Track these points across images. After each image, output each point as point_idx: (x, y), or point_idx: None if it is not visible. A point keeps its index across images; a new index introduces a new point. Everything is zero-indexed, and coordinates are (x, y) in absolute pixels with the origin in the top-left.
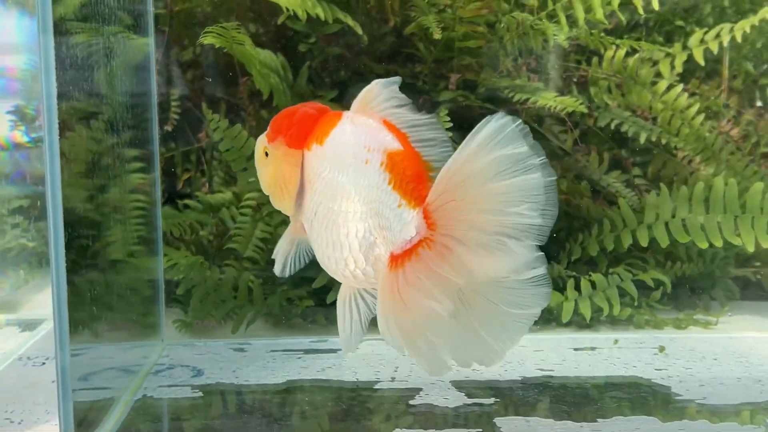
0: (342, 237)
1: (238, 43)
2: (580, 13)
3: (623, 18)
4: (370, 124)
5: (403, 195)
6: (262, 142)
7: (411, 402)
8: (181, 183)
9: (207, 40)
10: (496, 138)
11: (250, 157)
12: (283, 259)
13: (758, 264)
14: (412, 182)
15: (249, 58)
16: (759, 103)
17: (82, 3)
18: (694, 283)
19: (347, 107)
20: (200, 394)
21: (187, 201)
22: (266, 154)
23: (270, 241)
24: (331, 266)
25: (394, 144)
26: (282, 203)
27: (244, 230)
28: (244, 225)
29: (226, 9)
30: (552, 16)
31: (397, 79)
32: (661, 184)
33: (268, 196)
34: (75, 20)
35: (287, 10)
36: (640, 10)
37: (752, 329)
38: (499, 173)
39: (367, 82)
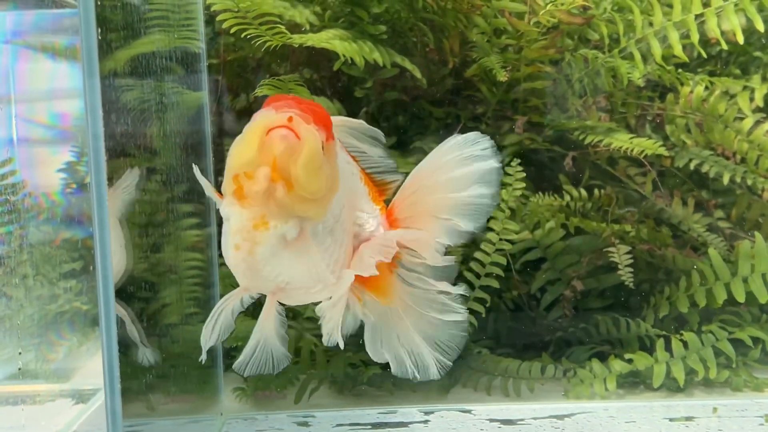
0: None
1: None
2: (656, 50)
3: (701, 51)
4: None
5: (376, 203)
6: (313, 133)
7: None
8: None
9: (262, 91)
10: (454, 144)
11: None
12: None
13: None
14: (375, 192)
15: None
16: None
17: (133, 56)
18: None
19: (408, 154)
20: None
21: None
22: None
23: None
24: (323, 275)
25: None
26: (317, 210)
27: None
28: None
29: (279, 56)
30: (623, 51)
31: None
32: (756, 233)
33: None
34: (126, 75)
35: (344, 56)
36: (724, 45)
37: None
38: (454, 166)
39: (426, 126)
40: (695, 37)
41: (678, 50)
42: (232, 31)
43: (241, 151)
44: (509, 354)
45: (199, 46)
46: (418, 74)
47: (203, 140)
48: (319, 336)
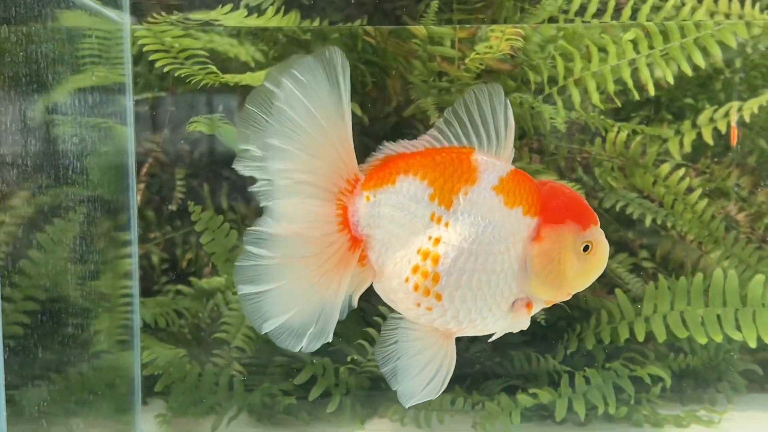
0: None
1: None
2: (576, 98)
3: (635, 95)
4: None
5: None
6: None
7: None
8: (182, 266)
9: (194, 127)
10: None
11: (232, 249)
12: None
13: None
14: None
15: (231, 138)
16: None
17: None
18: (698, 375)
19: None
20: None
21: (180, 287)
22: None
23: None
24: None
25: None
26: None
27: (235, 317)
28: (233, 312)
29: (225, 91)
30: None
31: None
32: (660, 276)
33: None
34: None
35: None
36: (651, 91)
37: (758, 427)
38: None
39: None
40: (611, 87)
41: (595, 99)
42: (165, 70)
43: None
44: None
45: (125, 81)
46: (358, 111)
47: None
48: (244, 365)
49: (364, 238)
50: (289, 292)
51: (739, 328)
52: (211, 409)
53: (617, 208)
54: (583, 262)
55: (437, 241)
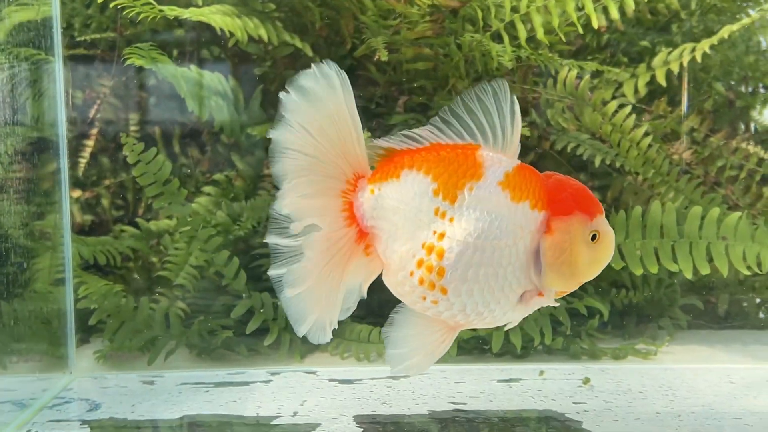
0: None
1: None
2: (522, 33)
3: (579, 29)
4: None
5: None
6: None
7: None
8: (131, 209)
9: (131, 60)
10: None
11: (166, 182)
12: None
13: (709, 291)
14: None
15: (176, 78)
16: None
17: None
18: (641, 311)
19: None
20: (87, 430)
21: (125, 227)
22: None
23: (204, 269)
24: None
25: None
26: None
27: (179, 257)
28: (178, 252)
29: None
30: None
31: None
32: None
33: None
34: None
35: (230, 33)
36: (595, 23)
37: (694, 360)
38: None
39: None
40: (556, 21)
41: (540, 35)
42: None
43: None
44: (367, 321)
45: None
46: (309, 52)
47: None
48: (192, 303)
49: (369, 230)
50: (315, 289)
51: (675, 260)
52: (151, 345)
53: (569, 149)
54: (593, 251)
55: (441, 235)
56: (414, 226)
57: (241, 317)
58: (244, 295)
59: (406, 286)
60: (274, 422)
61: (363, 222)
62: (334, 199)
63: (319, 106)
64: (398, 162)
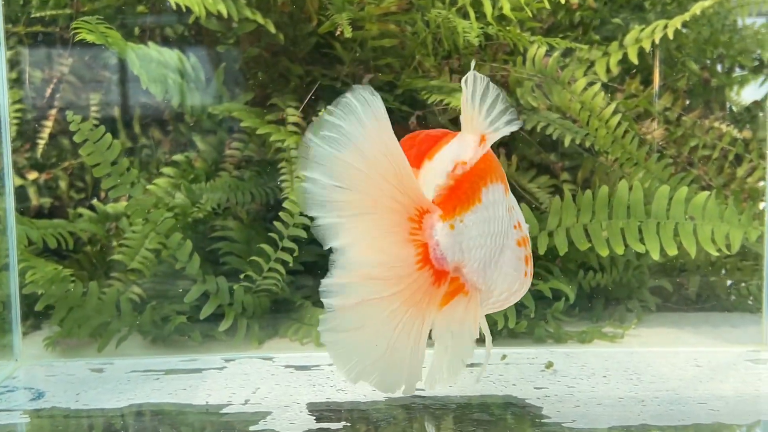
0: None
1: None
2: (488, 9)
3: (529, 12)
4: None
5: None
6: None
7: (252, 428)
8: (89, 191)
9: (80, 35)
10: None
11: (114, 163)
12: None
13: (680, 273)
14: None
15: (129, 55)
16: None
17: None
18: (609, 294)
19: (265, 109)
20: (27, 419)
21: (82, 210)
22: None
23: (160, 253)
24: None
25: None
26: None
27: (135, 240)
28: (134, 235)
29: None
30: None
31: None
32: (566, 189)
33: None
34: None
35: (185, 8)
36: (547, 4)
37: (661, 344)
38: None
39: (287, 83)
40: None
41: (507, 10)
42: None
43: None
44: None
45: None
46: (272, 29)
47: None
48: (148, 289)
49: (452, 268)
50: (375, 334)
51: (642, 241)
52: (103, 331)
53: (538, 129)
54: None
55: (518, 226)
56: (504, 236)
57: (197, 302)
58: (197, 279)
59: (524, 289)
60: (224, 410)
61: (443, 264)
62: (403, 243)
63: (359, 136)
64: (468, 186)
